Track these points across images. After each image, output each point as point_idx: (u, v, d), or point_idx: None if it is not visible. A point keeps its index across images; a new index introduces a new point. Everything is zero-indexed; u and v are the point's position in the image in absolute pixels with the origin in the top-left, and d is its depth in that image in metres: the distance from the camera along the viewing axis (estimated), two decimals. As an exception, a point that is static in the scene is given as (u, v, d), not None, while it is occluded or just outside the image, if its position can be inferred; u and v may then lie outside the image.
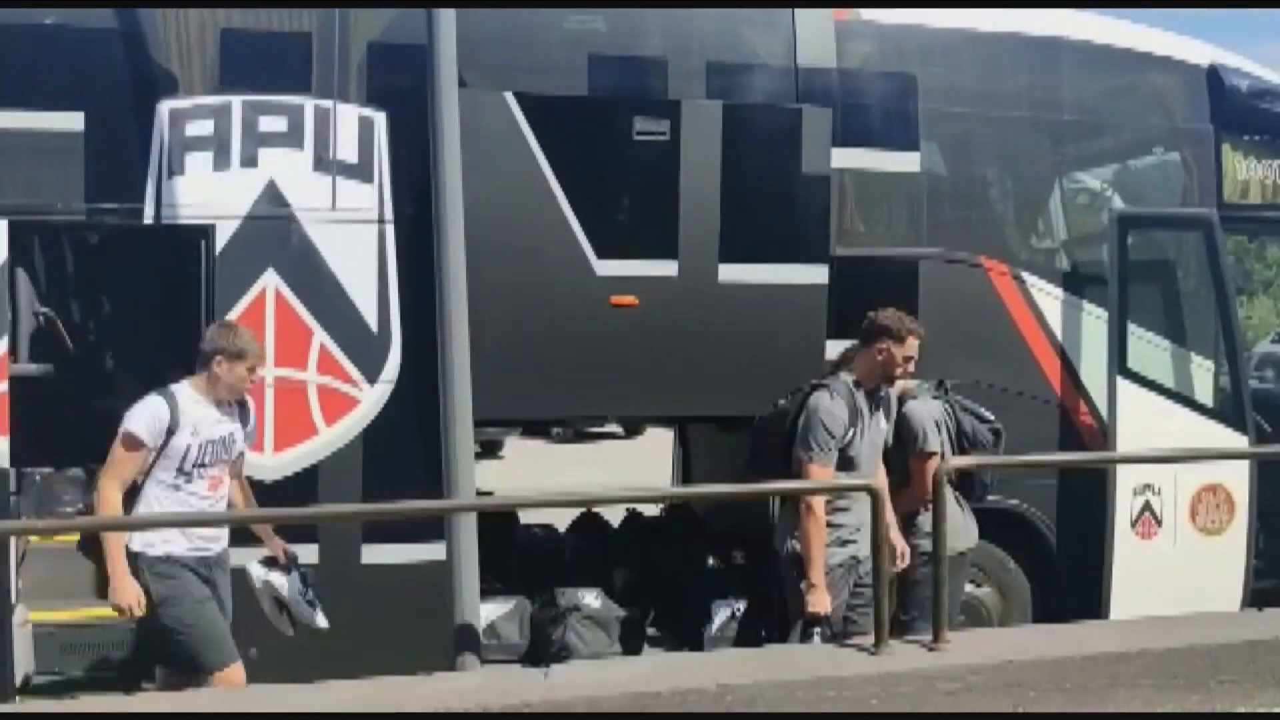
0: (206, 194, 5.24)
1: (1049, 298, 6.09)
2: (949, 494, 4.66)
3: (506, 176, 5.31)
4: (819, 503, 4.68)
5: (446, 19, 4.36)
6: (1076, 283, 6.16)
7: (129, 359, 5.76)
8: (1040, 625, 5.12)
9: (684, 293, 5.50)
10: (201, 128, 5.26)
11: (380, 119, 5.38)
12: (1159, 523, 6.06)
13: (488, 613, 5.92)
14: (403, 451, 5.35)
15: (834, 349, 5.69)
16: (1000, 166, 6.32)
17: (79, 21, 5.18)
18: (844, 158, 5.79)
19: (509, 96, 5.31)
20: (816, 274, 5.64)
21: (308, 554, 5.38)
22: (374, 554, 5.40)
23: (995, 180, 6.33)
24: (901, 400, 5.14)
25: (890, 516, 4.45)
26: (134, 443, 4.53)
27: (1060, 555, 6.05)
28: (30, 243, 5.50)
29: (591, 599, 5.81)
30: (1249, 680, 4.42)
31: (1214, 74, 6.32)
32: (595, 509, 7.21)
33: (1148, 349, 6.12)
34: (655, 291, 5.47)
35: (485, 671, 4.30)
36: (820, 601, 4.68)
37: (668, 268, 5.50)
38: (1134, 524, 6.02)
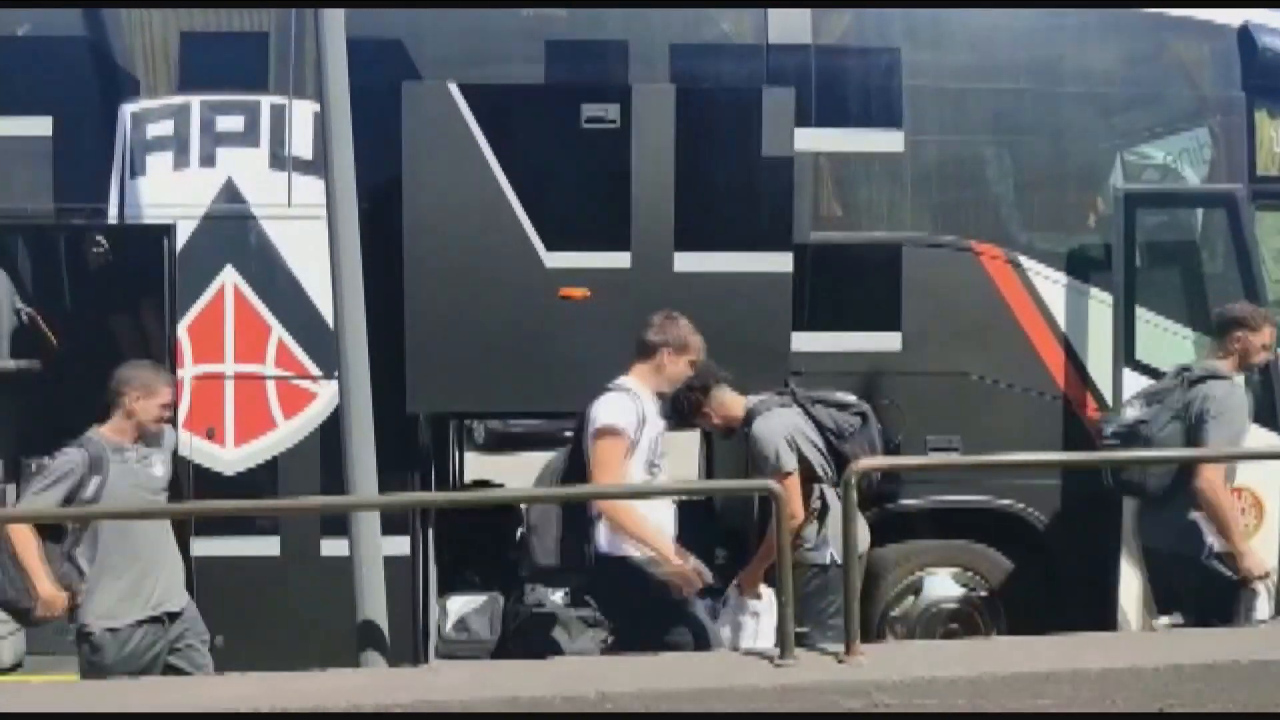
0: (167, 193, 5.39)
1: (1050, 284, 5.66)
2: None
3: (451, 168, 5.24)
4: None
5: (334, 17, 4.33)
6: (1081, 268, 5.69)
7: (97, 354, 5.95)
8: (968, 640, 4.75)
9: (638, 283, 5.33)
10: (162, 128, 5.42)
11: (334, 115, 5.39)
12: (1175, 528, 5.54)
13: (460, 607, 5.94)
14: None
15: (809, 340, 5.48)
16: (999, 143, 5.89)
17: (47, 31, 5.39)
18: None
19: (452, 86, 5.24)
20: (780, 262, 5.38)
21: (268, 546, 5.52)
22: (333, 547, 5.43)
23: (993, 158, 5.90)
24: (748, 419, 4.76)
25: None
26: (619, 436, 4.38)
27: (1060, 561, 5.61)
28: (5, 243, 5.76)
29: (557, 597, 5.71)
30: (1201, 708, 3.97)
31: (1245, 35, 5.72)
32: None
33: (1161, 339, 5.59)
34: (608, 283, 5.32)
35: (370, 670, 4.26)
36: (1261, 562, 4.79)
37: (620, 259, 5.34)
38: (1145, 529, 5.52)
